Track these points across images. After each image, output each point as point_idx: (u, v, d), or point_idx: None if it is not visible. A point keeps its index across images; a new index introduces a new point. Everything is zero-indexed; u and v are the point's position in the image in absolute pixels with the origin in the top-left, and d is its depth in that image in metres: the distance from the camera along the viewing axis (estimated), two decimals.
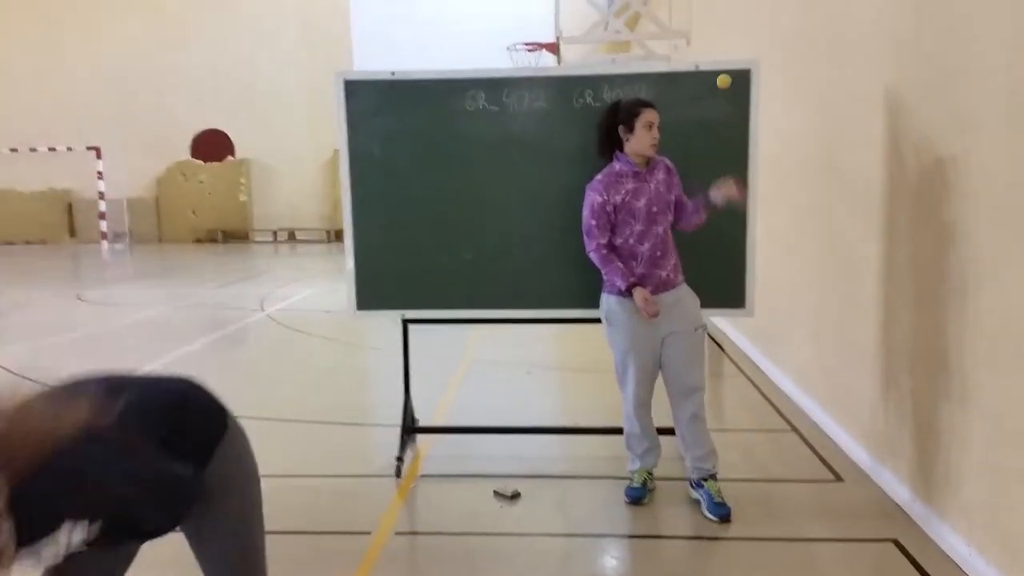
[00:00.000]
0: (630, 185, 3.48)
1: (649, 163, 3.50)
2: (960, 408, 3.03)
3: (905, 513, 3.43)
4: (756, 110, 3.74)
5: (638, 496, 3.61)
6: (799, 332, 5.13)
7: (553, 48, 11.53)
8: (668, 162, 3.56)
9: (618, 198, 3.48)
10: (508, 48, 12.34)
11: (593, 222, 3.51)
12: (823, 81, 4.72)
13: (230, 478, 1.92)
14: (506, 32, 13.20)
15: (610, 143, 3.53)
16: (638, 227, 3.47)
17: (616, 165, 3.52)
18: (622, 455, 3.77)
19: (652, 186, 3.49)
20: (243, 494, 1.97)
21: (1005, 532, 2.74)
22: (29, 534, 1.49)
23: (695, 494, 3.56)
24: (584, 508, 3.65)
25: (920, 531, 3.27)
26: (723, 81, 3.65)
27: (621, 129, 3.46)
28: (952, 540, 3.05)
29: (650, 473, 3.72)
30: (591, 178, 3.57)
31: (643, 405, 3.65)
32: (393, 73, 3.94)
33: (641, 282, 3.45)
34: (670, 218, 3.53)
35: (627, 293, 3.46)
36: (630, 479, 3.69)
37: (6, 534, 1.42)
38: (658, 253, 3.47)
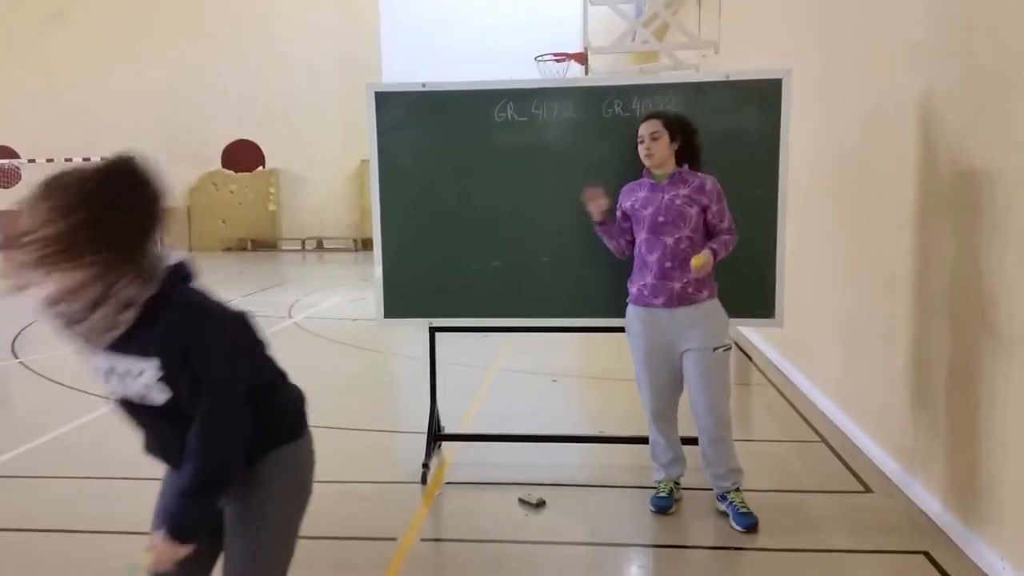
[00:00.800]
0: (642, 194, 3.54)
1: (672, 177, 3.49)
2: (994, 420, 2.99)
3: (936, 525, 3.40)
4: (787, 120, 3.73)
5: (664, 506, 3.60)
6: (829, 343, 5.09)
7: (581, 58, 11.55)
8: (708, 181, 3.48)
9: (627, 204, 3.57)
10: (536, 59, 12.38)
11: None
12: (856, 91, 4.69)
13: (278, 480, 1.96)
14: (534, 43, 13.24)
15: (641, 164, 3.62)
16: (643, 235, 3.49)
17: (643, 177, 3.60)
18: (647, 464, 3.76)
19: (665, 197, 3.46)
20: (285, 503, 2.00)
21: None
22: (125, 331, 1.69)
23: (721, 506, 3.54)
24: (609, 517, 3.64)
25: (952, 544, 3.23)
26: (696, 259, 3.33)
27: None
28: (985, 553, 3.01)
29: (676, 483, 3.71)
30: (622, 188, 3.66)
31: (662, 418, 3.65)
32: (424, 84, 3.98)
33: (652, 293, 3.46)
34: (686, 231, 3.42)
35: (641, 302, 3.51)
36: (656, 488, 3.68)
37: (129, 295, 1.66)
38: (667, 264, 3.42)
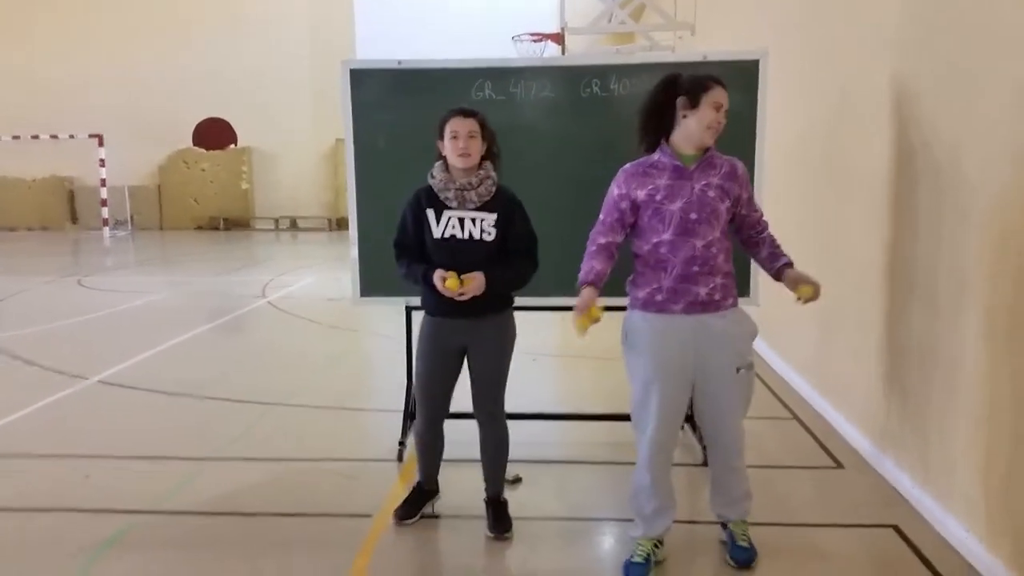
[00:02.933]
0: (663, 181, 2.81)
1: (702, 159, 2.82)
2: (961, 398, 3.05)
3: (905, 500, 3.46)
4: (764, 101, 3.74)
5: (641, 574, 2.89)
6: (802, 321, 5.14)
7: (558, 39, 11.52)
8: (738, 165, 2.88)
9: (642, 193, 2.82)
10: (513, 38, 12.32)
11: (601, 216, 2.93)
12: (829, 74, 4.72)
13: (512, 328, 3.25)
14: (511, 23, 13.17)
15: (656, 128, 2.85)
16: (667, 236, 2.80)
17: (656, 155, 2.86)
18: (623, 441, 3.77)
19: (696, 188, 2.79)
20: (510, 343, 3.24)
21: (1003, 518, 2.76)
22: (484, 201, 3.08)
23: (722, 536, 3.12)
24: (585, 493, 3.67)
25: (920, 517, 3.30)
26: (805, 292, 2.87)
27: (682, 102, 2.78)
28: (952, 526, 3.08)
29: (658, 543, 3.00)
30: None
31: (663, 452, 2.93)
32: (400, 62, 3.94)
33: (670, 298, 2.83)
34: (716, 232, 2.81)
35: (653, 307, 2.86)
36: (632, 549, 2.98)
37: (493, 177, 3.12)
38: (695, 268, 2.79)
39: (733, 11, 7.79)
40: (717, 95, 2.77)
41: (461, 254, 3.04)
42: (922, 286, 3.39)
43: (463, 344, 3.18)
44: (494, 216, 3.06)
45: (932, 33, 3.34)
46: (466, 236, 3.05)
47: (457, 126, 3.01)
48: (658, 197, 2.80)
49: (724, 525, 3.11)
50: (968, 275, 2.98)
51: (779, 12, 5.90)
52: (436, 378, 3.23)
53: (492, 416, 3.26)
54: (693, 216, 2.77)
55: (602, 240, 2.88)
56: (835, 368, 4.54)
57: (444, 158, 3.09)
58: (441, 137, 3.06)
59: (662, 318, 2.84)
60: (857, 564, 3.05)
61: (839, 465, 3.93)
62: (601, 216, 2.94)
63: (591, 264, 2.86)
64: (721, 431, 2.96)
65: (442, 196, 3.07)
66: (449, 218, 3.06)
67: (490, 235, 3.05)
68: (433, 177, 3.11)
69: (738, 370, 2.86)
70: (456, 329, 3.15)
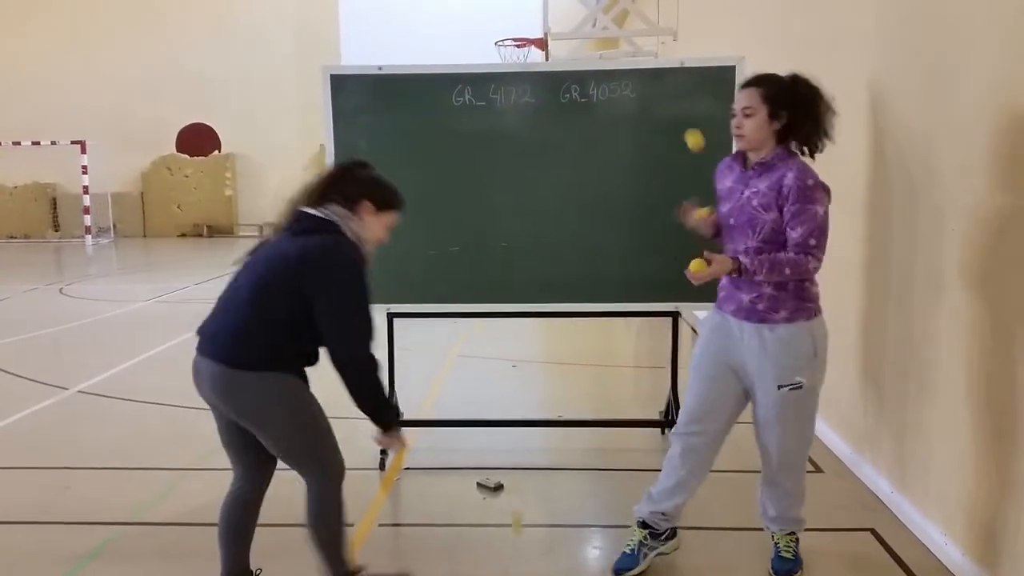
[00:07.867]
0: (727, 183, 2.85)
1: (759, 164, 2.72)
2: (935, 401, 3.08)
3: (883, 504, 3.49)
4: None
5: (623, 567, 2.98)
6: None
7: (541, 44, 11.54)
8: (789, 174, 2.66)
9: (718, 187, 2.91)
10: (496, 43, 12.33)
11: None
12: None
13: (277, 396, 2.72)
14: (495, 28, 13.18)
15: None
16: (722, 236, 2.90)
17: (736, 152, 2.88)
18: (604, 447, 3.80)
19: (745, 194, 2.73)
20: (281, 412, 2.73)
21: (978, 522, 2.79)
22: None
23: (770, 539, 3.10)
24: (567, 499, 3.68)
25: (898, 521, 3.33)
26: (694, 141, 2.97)
27: None
28: (928, 530, 3.11)
29: (653, 532, 3.01)
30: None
31: (692, 439, 2.93)
32: (380, 67, 3.95)
33: (726, 299, 2.85)
34: (753, 242, 2.72)
35: (717, 304, 2.92)
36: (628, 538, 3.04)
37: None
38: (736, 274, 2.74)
39: (715, 17, 7.84)
40: (735, 99, 2.80)
41: None
42: (898, 289, 3.42)
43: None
44: None
45: (907, 36, 3.37)
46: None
47: None
48: (721, 195, 2.87)
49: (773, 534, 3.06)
50: (944, 277, 3.02)
51: (759, 17, 5.95)
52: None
53: (308, 482, 2.80)
54: (731, 222, 2.79)
55: None
56: None
57: None
58: None
59: (718, 315, 2.91)
60: (835, 568, 3.07)
61: (818, 469, 3.95)
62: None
63: None
64: (764, 443, 2.91)
65: None
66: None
67: None
68: None
69: (779, 388, 2.74)
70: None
